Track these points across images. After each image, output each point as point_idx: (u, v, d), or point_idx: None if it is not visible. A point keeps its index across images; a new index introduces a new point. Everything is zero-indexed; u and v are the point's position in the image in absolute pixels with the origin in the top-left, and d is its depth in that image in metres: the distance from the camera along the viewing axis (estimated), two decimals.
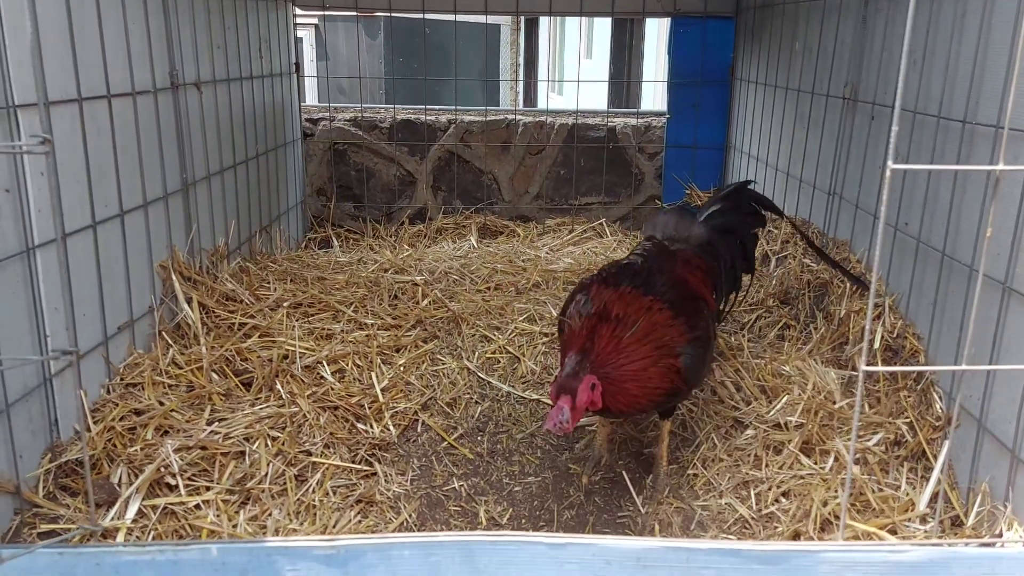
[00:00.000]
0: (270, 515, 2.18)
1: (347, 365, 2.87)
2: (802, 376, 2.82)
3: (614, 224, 5.02)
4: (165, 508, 2.14)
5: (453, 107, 5.00)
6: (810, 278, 3.35)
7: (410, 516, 2.30)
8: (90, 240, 2.40)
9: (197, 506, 2.17)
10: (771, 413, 2.66)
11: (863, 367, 1.43)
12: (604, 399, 2.14)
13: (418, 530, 2.27)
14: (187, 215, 3.07)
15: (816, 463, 2.41)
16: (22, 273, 2.07)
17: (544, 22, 18.43)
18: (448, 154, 4.98)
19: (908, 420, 2.41)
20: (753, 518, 2.27)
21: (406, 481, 2.44)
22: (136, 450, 2.27)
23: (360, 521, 2.24)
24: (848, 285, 3.01)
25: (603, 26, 14.66)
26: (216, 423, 2.46)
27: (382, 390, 2.76)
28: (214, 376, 2.68)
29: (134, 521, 2.09)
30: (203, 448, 2.34)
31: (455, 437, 2.67)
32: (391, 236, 4.85)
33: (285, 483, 2.30)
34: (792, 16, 3.84)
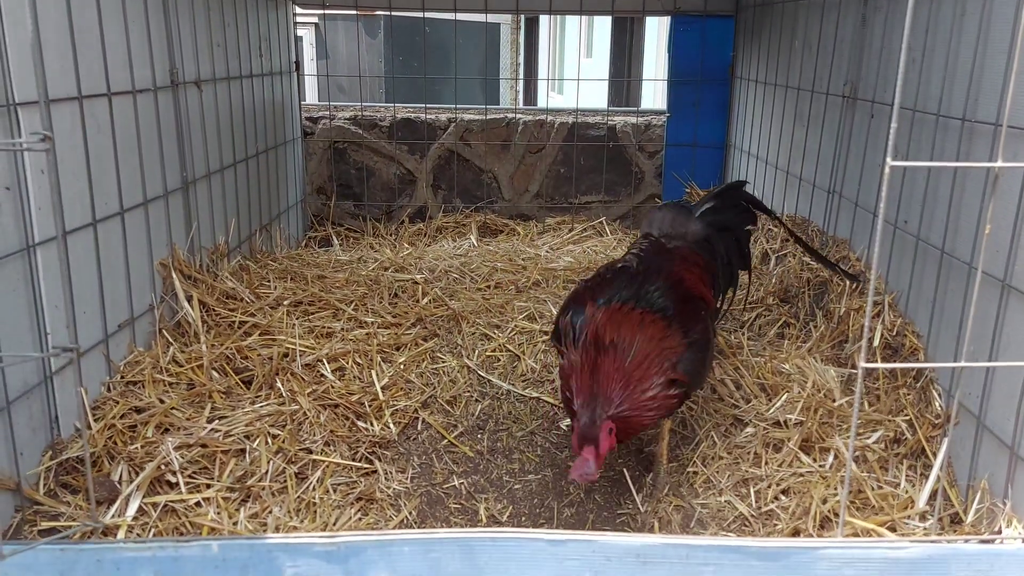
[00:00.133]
0: (270, 513, 2.18)
1: (347, 363, 2.88)
2: (802, 374, 2.82)
3: (614, 223, 5.02)
4: (166, 506, 2.14)
5: (453, 106, 5.00)
6: (810, 276, 3.35)
7: (410, 514, 2.30)
8: (90, 238, 2.40)
9: (198, 503, 2.17)
10: (771, 411, 2.66)
11: (862, 364, 1.44)
12: (620, 436, 2.17)
13: (418, 527, 2.27)
14: (187, 213, 3.08)
15: (816, 461, 2.42)
16: (23, 271, 2.08)
17: (544, 21, 18.43)
18: (448, 153, 4.98)
19: (907, 418, 2.41)
20: (753, 516, 2.27)
21: (406, 479, 2.44)
22: (137, 448, 2.28)
23: (360, 519, 2.24)
24: (847, 283, 3.02)
25: (603, 25, 14.66)
26: (216, 421, 2.46)
27: (382, 388, 2.76)
28: (214, 374, 2.68)
29: (135, 519, 2.09)
30: (203, 446, 2.34)
31: (455, 435, 2.67)
32: (391, 235, 4.86)
33: (285, 481, 2.31)
34: (792, 14, 3.85)
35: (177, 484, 2.20)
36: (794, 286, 3.47)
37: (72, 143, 2.31)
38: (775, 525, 2.22)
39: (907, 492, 2.21)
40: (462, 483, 2.47)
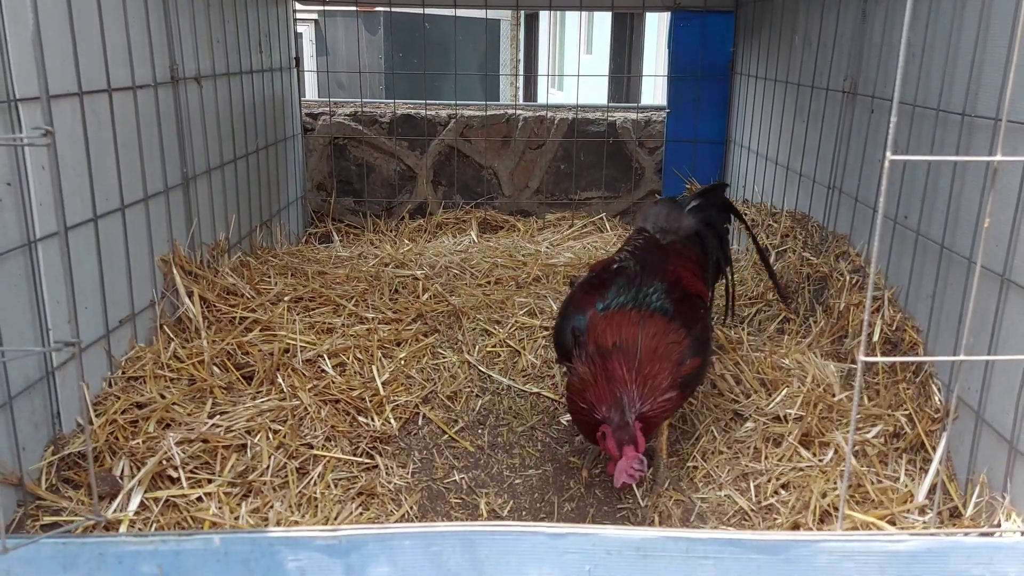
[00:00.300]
0: (272, 507, 2.19)
1: (348, 359, 2.88)
2: (801, 369, 2.83)
3: (614, 219, 5.02)
4: (167, 500, 2.15)
5: (453, 102, 5.00)
6: (809, 272, 3.36)
7: (411, 508, 2.31)
8: (91, 234, 2.41)
9: (199, 498, 2.18)
10: (770, 406, 2.67)
11: (862, 358, 1.44)
12: (644, 433, 2.19)
13: (419, 522, 2.28)
14: (188, 209, 3.08)
15: (815, 455, 2.42)
16: (24, 266, 2.08)
17: (544, 17, 18.42)
18: (448, 149, 4.98)
19: (907, 412, 2.42)
20: (752, 510, 2.28)
21: (407, 474, 2.45)
22: (138, 443, 2.28)
23: (361, 513, 2.25)
24: (848, 278, 3.02)
25: (603, 21, 14.65)
26: (217, 416, 2.47)
27: (383, 383, 2.76)
28: (215, 370, 2.69)
29: (136, 513, 2.10)
30: (205, 441, 2.35)
31: (456, 430, 2.68)
32: (391, 231, 4.86)
33: (286, 476, 2.31)
34: (792, 10, 3.84)
35: (178, 479, 2.21)
36: (794, 282, 3.47)
37: (73, 139, 2.31)
38: (775, 519, 2.23)
39: (906, 486, 2.22)
40: (463, 478, 2.47)
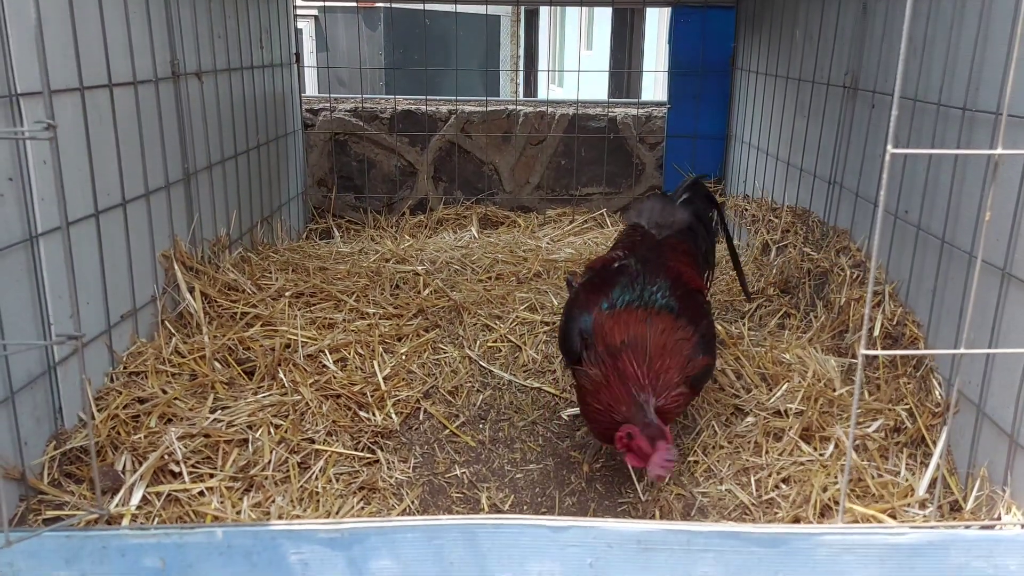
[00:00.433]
0: (273, 502, 2.19)
1: (349, 354, 2.88)
2: (802, 364, 2.83)
3: (615, 214, 5.02)
4: (169, 495, 2.16)
5: (454, 98, 5.00)
6: (810, 267, 3.36)
7: (412, 503, 2.31)
8: (93, 229, 2.41)
9: (201, 493, 2.18)
10: (771, 400, 2.67)
11: (863, 351, 1.44)
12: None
13: (421, 515, 2.28)
14: (189, 205, 3.08)
15: (816, 449, 2.43)
16: (26, 261, 2.08)
17: (544, 13, 18.40)
18: (449, 144, 4.98)
19: (908, 407, 2.42)
20: (753, 504, 2.28)
21: (408, 468, 2.45)
22: (140, 438, 2.29)
23: (363, 508, 2.25)
24: (849, 273, 3.02)
25: (603, 17, 14.64)
26: (219, 411, 2.47)
27: (384, 378, 2.77)
28: (217, 365, 2.69)
29: (138, 508, 2.10)
30: (206, 436, 2.35)
31: (457, 425, 2.68)
32: (392, 227, 4.86)
33: (288, 470, 2.32)
34: (792, 5, 3.84)
35: (180, 474, 2.21)
36: (795, 276, 3.48)
37: (74, 134, 2.31)
38: (775, 513, 2.23)
39: (907, 480, 2.22)
40: (464, 472, 2.48)
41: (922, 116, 2.56)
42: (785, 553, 1.45)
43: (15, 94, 2.02)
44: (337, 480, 2.33)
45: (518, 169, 5.06)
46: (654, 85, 10.68)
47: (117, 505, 2.08)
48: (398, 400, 2.71)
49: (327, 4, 4.88)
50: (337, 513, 2.20)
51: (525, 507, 2.38)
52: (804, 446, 2.44)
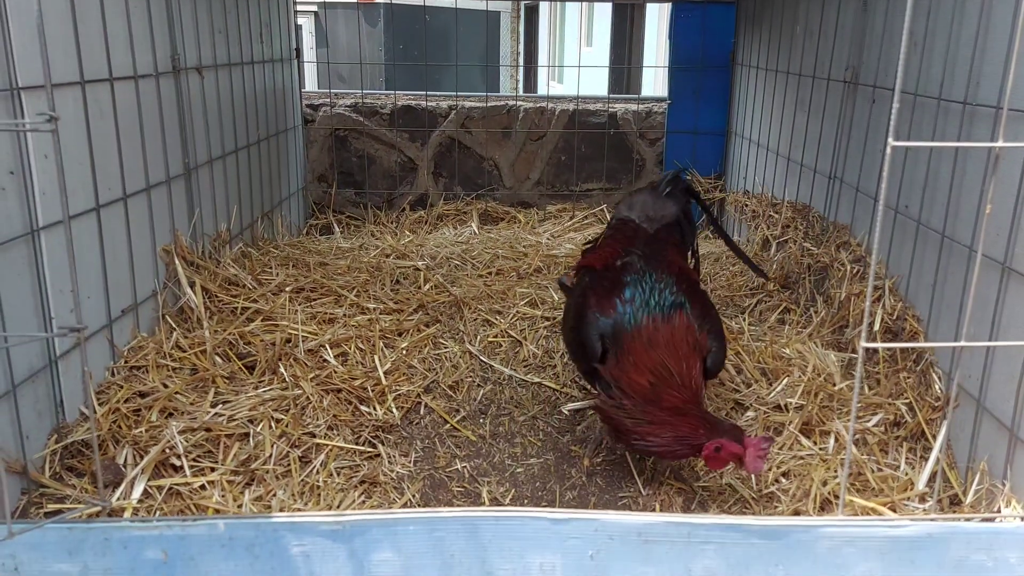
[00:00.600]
0: (275, 495, 2.20)
1: (350, 349, 2.89)
2: (802, 358, 2.84)
3: (615, 210, 5.01)
4: (170, 488, 2.16)
5: (454, 93, 5.00)
6: (810, 262, 3.36)
7: (413, 496, 2.32)
8: (94, 223, 2.41)
9: (202, 486, 2.19)
10: (771, 395, 2.68)
11: (863, 344, 1.45)
12: None
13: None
14: (189, 200, 3.08)
15: (816, 444, 2.43)
16: (27, 255, 2.09)
17: (544, 9, 18.38)
18: (449, 140, 4.98)
19: (907, 401, 2.43)
20: (753, 498, 2.29)
21: (409, 462, 2.46)
22: (141, 432, 2.29)
23: (364, 502, 2.26)
24: (849, 268, 3.02)
25: (603, 13, 14.62)
26: (220, 405, 2.48)
27: (385, 373, 2.77)
28: (217, 359, 2.70)
29: (140, 501, 2.10)
30: (207, 430, 2.35)
31: (457, 419, 2.68)
32: (392, 222, 4.86)
33: (289, 464, 2.32)
34: (793, 0, 3.84)
35: (181, 467, 2.22)
36: (795, 272, 3.48)
37: (75, 128, 2.31)
38: (775, 507, 2.24)
39: (907, 474, 2.23)
40: (465, 467, 2.48)
41: (922, 111, 2.57)
42: (786, 545, 1.45)
43: (16, 87, 2.02)
44: (338, 474, 2.33)
45: (518, 165, 5.06)
46: (654, 81, 10.67)
47: (119, 499, 2.09)
48: (399, 395, 2.71)
49: None
50: (338, 507, 2.20)
51: (526, 501, 2.38)
52: (804, 440, 2.44)
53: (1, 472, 1.71)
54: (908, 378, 2.50)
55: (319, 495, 2.23)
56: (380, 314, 3.20)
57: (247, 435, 2.38)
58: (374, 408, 2.62)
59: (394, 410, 2.63)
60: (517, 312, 3.34)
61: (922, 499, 2.13)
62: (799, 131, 3.74)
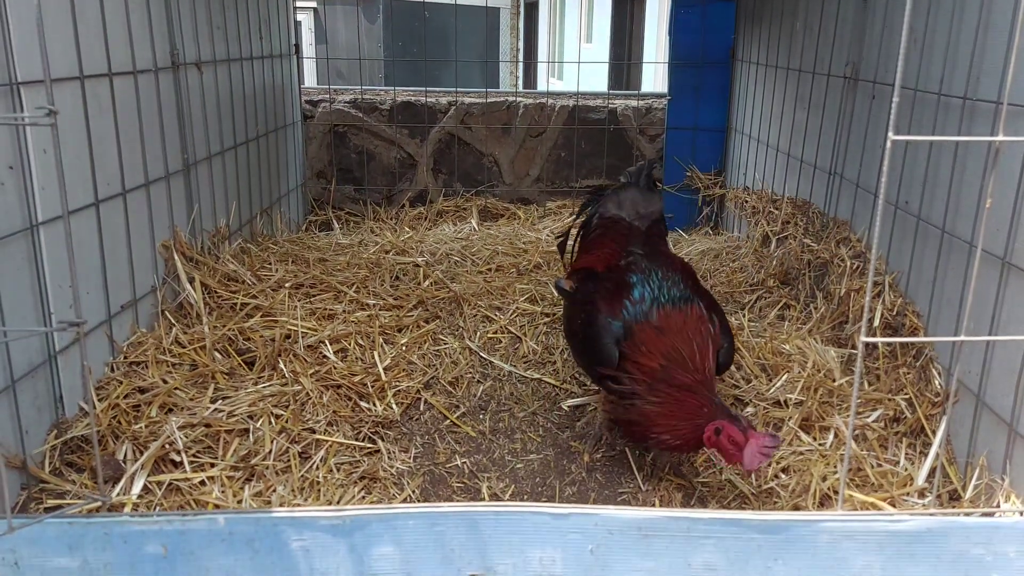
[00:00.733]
0: (275, 491, 2.20)
1: (349, 345, 2.89)
2: (802, 354, 2.84)
3: None
4: (170, 484, 2.16)
5: (453, 89, 4.99)
6: (810, 258, 3.36)
7: (413, 492, 2.32)
8: (93, 218, 2.41)
9: (202, 482, 2.19)
10: (771, 391, 2.68)
11: (863, 339, 1.45)
12: None
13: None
14: (189, 195, 3.08)
15: (815, 439, 2.43)
16: (26, 250, 2.08)
17: (544, 5, 18.35)
18: (449, 136, 4.98)
19: (907, 396, 2.43)
20: (753, 494, 2.29)
21: (409, 458, 2.46)
22: (141, 427, 2.29)
23: (364, 497, 2.26)
24: (849, 264, 3.02)
25: (603, 9, 14.60)
26: (220, 401, 2.48)
27: (384, 369, 2.77)
28: (217, 355, 2.69)
29: (139, 497, 2.10)
30: (207, 426, 2.35)
31: (457, 415, 2.68)
32: (392, 219, 4.86)
33: (289, 460, 2.32)
34: None
35: (181, 463, 2.22)
36: (794, 268, 3.48)
37: (74, 123, 2.31)
38: (775, 503, 2.24)
39: (906, 470, 2.23)
40: (464, 463, 2.48)
41: (923, 106, 2.56)
42: (785, 540, 1.45)
43: (15, 82, 2.02)
44: (338, 470, 2.33)
45: (518, 161, 5.06)
46: (654, 77, 10.66)
47: (118, 494, 2.09)
48: (399, 390, 2.71)
49: None
50: (338, 502, 2.20)
51: (525, 496, 2.38)
52: (804, 436, 2.45)
53: (1, 467, 1.70)
54: (908, 374, 2.50)
55: (319, 491, 2.23)
56: (380, 310, 3.20)
57: (247, 431, 2.38)
58: (374, 404, 2.62)
59: (394, 406, 2.63)
60: (517, 308, 3.34)
61: (921, 494, 2.13)
62: (799, 127, 3.74)
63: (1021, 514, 1.87)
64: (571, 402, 2.78)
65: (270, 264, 3.51)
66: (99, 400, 2.33)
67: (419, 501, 2.30)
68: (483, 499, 2.34)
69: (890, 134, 1.30)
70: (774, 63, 4.09)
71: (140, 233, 2.69)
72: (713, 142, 4.90)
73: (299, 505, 2.16)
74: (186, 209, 3.06)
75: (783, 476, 2.32)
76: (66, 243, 2.19)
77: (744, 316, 3.28)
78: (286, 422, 2.44)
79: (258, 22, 3.92)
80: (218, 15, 3.38)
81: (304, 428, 2.45)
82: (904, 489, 2.15)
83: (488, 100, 4.94)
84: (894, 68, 2.78)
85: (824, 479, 2.24)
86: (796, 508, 2.18)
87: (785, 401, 2.62)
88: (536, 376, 2.92)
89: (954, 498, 2.12)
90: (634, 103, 5.00)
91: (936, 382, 2.36)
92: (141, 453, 2.21)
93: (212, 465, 2.24)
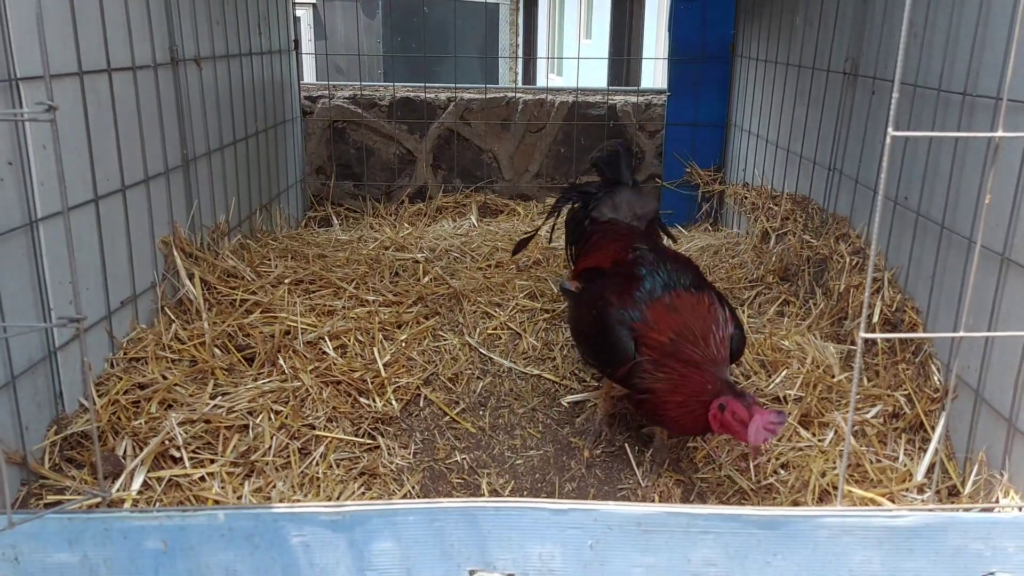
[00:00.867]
0: (274, 487, 2.20)
1: (349, 341, 2.89)
2: (801, 351, 2.84)
3: None
4: (170, 480, 2.16)
5: (453, 85, 4.98)
6: (810, 254, 3.36)
7: (413, 488, 2.32)
8: (92, 214, 2.40)
9: (202, 478, 2.19)
10: (770, 387, 2.68)
11: (862, 334, 1.45)
12: None
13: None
14: (188, 191, 3.08)
15: (815, 435, 2.44)
16: (26, 246, 2.08)
17: (543, 1, 18.31)
18: (448, 132, 4.97)
19: (906, 392, 2.43)
20: (752, 489, 2.29)
21: (409, 454, 2.46)
22: (140, 423, 2.29)
23: (364, 493, 2.26)
24: (848, 260, 3.02)
25: (602, 5, 14.57)
26: (219, 397, 2.48)
27: (384, 365, 2.77)
28: (216, 351, 2.70)
29: (139, 493, 2.11)
30: (207, 421, 2.36)
31: (457, 412, 2.69)
32: (391, 215, 4.85)
33: (289, 456, 2.32)
34: None
35: (181, 459, 2.22)
36: (794, 264, 3.48)
37: (73, 118, 2.31)
38: (774, 499, 2.24)
39: (905, 465, 2.23)
40: (464, 458, 2.48)
41: (922, 102, 2.56)
42: (784, 535, 1.45)
43: (15, 78, 2.02)
44: (338, 466, 2.33)
45: (517, 157, 5.05)
46: (654, 73, 10.65)
47: (118, 490, 2.09)
48: (398, 387, 2.71)
49: None
50: (338, 498, 2.21)
51: (525, 492, 2.38)
52: (803, 432, 2.45)
53: (1, 463, 1.70)
54: (907, 370, 2.50)
55: (319, 486, 2.23)
56: (379, 306, 3.20)
57: (246, 427, 2.38)
58: (373, 400, 2.62)
59: (393, 402, 2.63)
60: (516, 304, 3.34)
61: (920, 490, 2.14)
62: (799, 123, 3.74)
63: (1020, 509, 1.88)
64: (571, 398, 2.78)
65: (269, 260, 3.50)
66: (99, 396, 2.34)
67: (419, 497, 2.31)
68: (483, 495, 2.35)
69: (890, 130, 1.30)
70: (774, 58, 4.08)
71: (140, 229, 2.69)
72: (712, 138, 4.89)
73: (299, 501, 2.16)
74: (185, 205, 3.06)
75: (782, 472, 2.33)
76: (66, 239, 2.19)
77: (743, 312, 3.28)
78: (286, 418, 2.44)
79: (257, 18, 3.91)
80: (217, 11, 3.38)
81: (304, 424, 2.45)
82: (903, 485, 2.15)
83: (487, 96, 4.94)
84: (894, 63, 2.78)
85: (823, 475, 2.24)
86: (795, 504, 2.19)
87: (784, 397, 2.62)
88: (536, 372, 2.92)
89: (953, 494, 2.12)
90: (633, 99, 4.99)
91: (935, 378, 2.36)
92: (141, 449, 2.21)
93: (212, 461, 2.24)
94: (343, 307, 3.14)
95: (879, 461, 2.27)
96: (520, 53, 18.65)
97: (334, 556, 1.44)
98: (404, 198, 5.02)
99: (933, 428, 2.26)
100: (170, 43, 2.91)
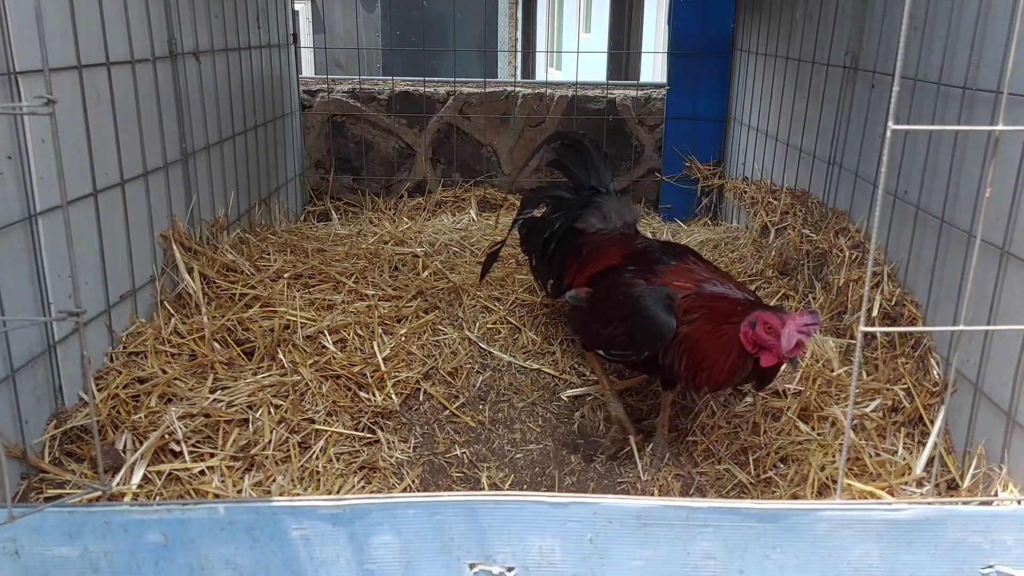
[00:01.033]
0: (274, 481, 2.20)
1: (348, 335, 2.89)
2: None
3: None
4: (170, 474, 2.16)
5: (452, 79, 4.97)
6: (809, 248, 3.36)
7: (413, 482, 2.32)
8: (91, 208, 2.40)
9: (202, 472, 2.19)
10: None
11: (862, 328, 1.45)
12: None
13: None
14: (187, 185, 3.07)
15: (814, 429, 2.44)
16: (25, 240, 2.08)
17: None
18: (447, 126, 4.96)
19: (906, 386, 2.43)
20: (751, 483, 2.30)
21: (409, 448, 2.46)
22: (140, 417, 2.29)
23: (364, 487, 2.26)
24: (847, 254, 3.02)
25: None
26: (219, 391, 2.48)
27: (384, 359, 2.77)
28: (216, 345, 2.70)
29: (139, 487, 2.11)
30: (207, 416, 2.36)
31: (457, 406, 2.69)
32: (390, 209, 4.85)
33: (289, 450, 2.32)
34: None
35: (181, 453, 2.22)
36: (793, 259, 3.48)
37: (72, 112, 2.30)
38: (773, 492, 2.25)
39: (904, 459, 2.23)
40: (464, 452, 2.49)
41: (922, 95, 2.56)
42: (784, 528, 1.46)
43: (13, 72, 2.01)
44: (338, 460, 2.34)
45: (516, 151, 5.05)
46: (653, 67, 10.63)
47: (118, 484, 2.09)
48: (398, 381, 2.72)
49: None
50: (338, 492, 2.21)
51: (525, 486, 2.39)
52: (802, 426, 2.45)
53: (1, 457, 1.71)
54: (906, 363, 2.50)
55: (319, 480, 2.24)
56: (379, 300, 3.20)
57: (246, 421, 2.38)
58: (373, 394, 2.63)
59: (393, 396, 2.64)
60: (516, 299, 3.34)
61: (920, 483, 2.14)
62: (798, 117, 3.73)
63: (1019, 502, 1.88)
64: (570, 392, 2.79)
65: (269, 254, 3.50)
66: (98, 390, 2.34)
67: (419, 491, 2.31)
68: (483, 489, 2.35)
69: (890, 123, 1.30)
70: (773, 52, 4.08)
71: (139, 223, 2.69)
72: (712, 132, 4.89)
73: (299, 495, 2.16)
74: (184, 199, 3.06)
75: (782, 466, 2.33)
76: (65, 233, 2.19)
77: None
78: (285, 412, 2.44)
79: (256, 11, 3.90)
80: (216, 4, 3.37)
81: (303, 418, 2.45)
82: (902, 478, 2.16)
83: (487, 90, 4.93)
84: (894, 57, 2.78)
85: (822, 468, 2.25)
86: (795, 497, 2.19)
87: (784, 391, 2.62)
88: (535, 366, 2.92)
89: (952, 487, 2.13)
90: (633, 93, 4.99)
91: (934, 372, 2.37)
92: (141, 443, 2.21)
93: (212, 455, 2.24)
94: (342, 301, 3.14)
95: (878, 455, 2.28)
96: (519, 47, 18.60)
97: (334, 549, 1.44)
98: (403, 192, 5.01)
99: (932, 422, 2.26)
100: (169, 37, 2.91)
